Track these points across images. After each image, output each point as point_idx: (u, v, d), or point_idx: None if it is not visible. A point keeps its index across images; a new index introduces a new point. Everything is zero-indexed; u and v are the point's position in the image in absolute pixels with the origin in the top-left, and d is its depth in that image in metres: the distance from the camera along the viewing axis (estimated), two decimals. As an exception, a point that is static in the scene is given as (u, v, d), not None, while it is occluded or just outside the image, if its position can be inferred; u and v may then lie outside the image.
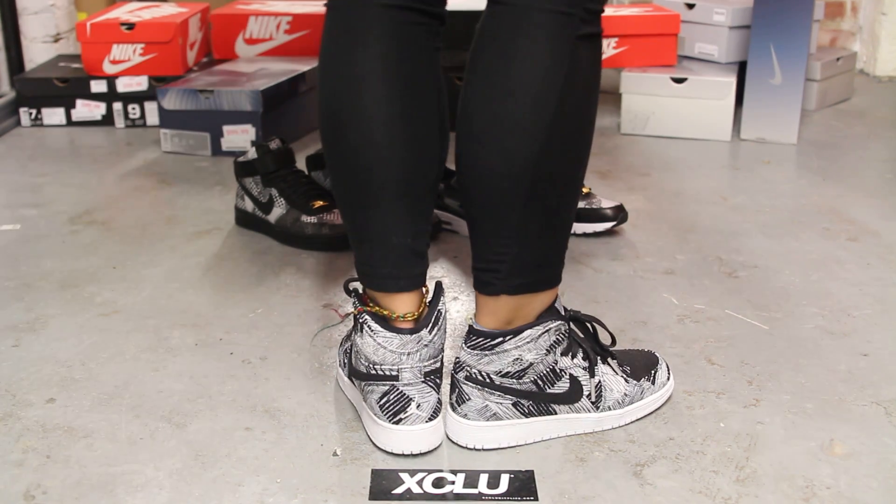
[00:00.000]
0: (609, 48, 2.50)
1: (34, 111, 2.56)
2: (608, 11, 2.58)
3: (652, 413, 1.22)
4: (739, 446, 1.16)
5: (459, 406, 1.15)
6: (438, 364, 1.15)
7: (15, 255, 1.73)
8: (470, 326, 1.14)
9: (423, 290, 1.17)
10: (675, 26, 2.49)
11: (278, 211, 1.78)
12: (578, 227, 1.80)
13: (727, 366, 1.34)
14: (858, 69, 3.20)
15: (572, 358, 1.16)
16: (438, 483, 1.09)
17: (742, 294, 1.57)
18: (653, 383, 1.22)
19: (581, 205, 1.80)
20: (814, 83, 2.67)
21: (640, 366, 1.23)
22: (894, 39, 3.13)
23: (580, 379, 1.16)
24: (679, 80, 2.42)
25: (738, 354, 1.37)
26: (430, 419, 1.13)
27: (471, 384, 1.14)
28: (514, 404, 1.14)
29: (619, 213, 1.80)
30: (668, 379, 1.25)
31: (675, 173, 2.19)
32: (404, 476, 1.10)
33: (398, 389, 1.12)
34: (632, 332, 1.44)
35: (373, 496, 1.07)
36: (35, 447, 1.16)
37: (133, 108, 2.56)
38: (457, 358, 1.16)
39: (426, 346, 1.12)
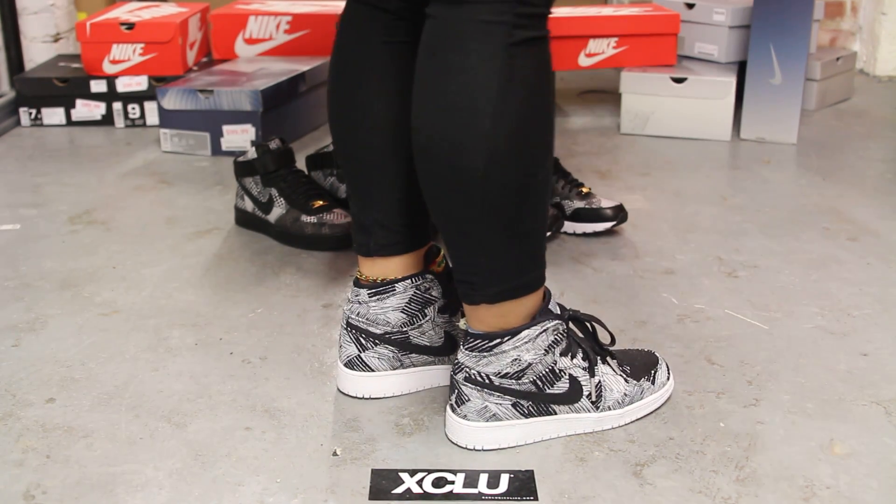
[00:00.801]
0: (609, 48, 2.50)
1: (34, 111, 2.56)
2: (608, 11, 2.57)
3: (652, 413, 1.22)
4: (739, 446, 1.16)
5: (459, 407, 1.15)
6: (377, 330, 1.24)
7: (15, 255, 1.73)
8: (465, 330, 1.15)
9: (409, 264, 1.24)
10: (675, 26, 2.49)
11: (278, 211, 1.78)
12: (578, 227, 1.81)
13: (727, 366, 1.34)
14: (858, 69, 3.20)
15: (572, 358, 1.16)
16: (438, 483, 1.09)
17: (742, 294, 1.57)
18: (653, 383, 1.22)
19: (581, 205, 1.80)
20: (814, 83, 2.67)
21: (640, 365, 1.23)
22: (894, 39, 3.13)
23: (580, 379, 1.16)
24: (679, 80, 2.42)
25: (738, 354, 1.37)
26: (346, 366, 1.26)
27: (470, 385, 1.14)
28: (514, 405, 1.14)
29: (619, 213, 1.80)
30: (668, 379, 1.25)
31: (675, 173, 2.19)
32: (404, 476, 1.10)
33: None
34: (632, 332, 1.44)
35: (373, 496, 1.07)
36: (35, 447, 1.16)
37: (133, 108, 2.56)
38: (456, 360, 1.16)
39: (360, 303, 1.23)
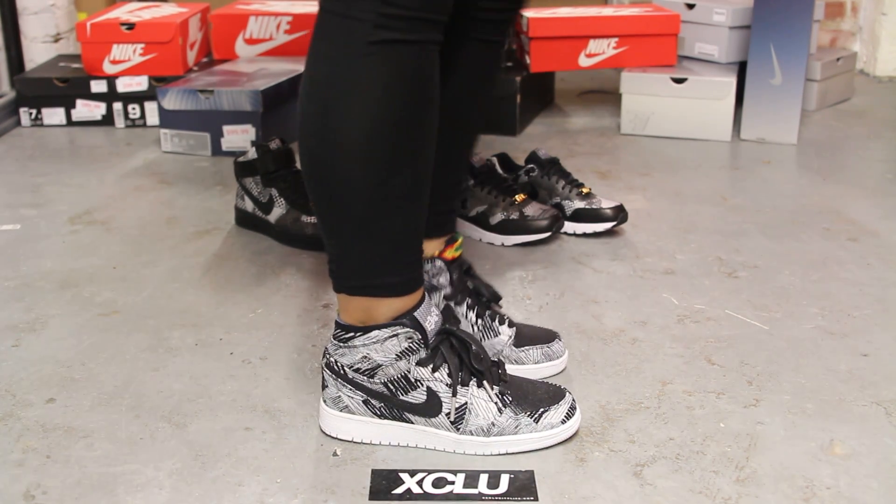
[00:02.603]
0: (609, 48, 2.50)
1: (34, 111, 2.56)
2: (608, 12, 2.57)
3: (532, 451, 1.15)
4: (739, 446, 1.16)
5: (322, 391, 1.18)
6: None
7: (15, 255, 1.73)
8: (336, 318, 1.16)
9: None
10: (675, 26, 2.49)
11: (278, 211, 1.78)
12: (579, 228, 1.81)
13: (727, 366, 1.34)
14: (858, 69, 3.20)
15: (433, 371, 1.13)
16: (438, 483, 1.09)
17: (742, 294, 1.57)
18: (535, 422, 1.14)
19: (581, 205, 1.80)
20: (814, 83, 2.67)
21: (531, 400, 1.16)
22: (894, 39, 3.13)
23: (440, 395, 1.13)
24: (679, 81, 2.42)
25: (738, 354, 1.37)
26: None
27: (328, 372, 1.16)
28: (365, 402, 1.15)
29: (619, 213, 1.80)
30: (564, 423, 1.15)
31: (675, 173, 2.19)
32: (404, 476, 1.10)
33: None
34: (632, 331, 1.44)
35: (373, 496, 1.07)
36: (35, 447, 1.16)
37: (133, 108, 2.56)
38: (326, 346, 1.19)
39: None
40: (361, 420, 1.16)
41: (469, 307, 1.30)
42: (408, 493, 1.07)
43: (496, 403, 1.14)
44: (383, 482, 1.09)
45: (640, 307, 1.52)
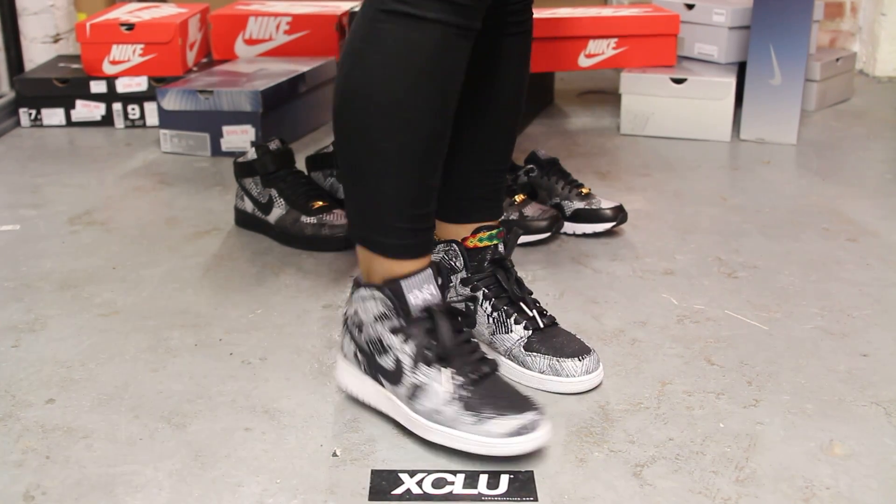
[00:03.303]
0: (609, 49, 2.50)
1: (34, 111, 2.56)
2: (608, 12, 2.57)
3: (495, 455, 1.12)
4: (739, 447, 1.16)
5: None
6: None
7: (15, 255, 1.73)
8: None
9: (443, 232, 1.39)
10: (674, 27, 2.49)
11: (278, 211, 1.78)
12: (578, 228, 1.81)
13: (727, 366, 1.34)
14: (858, 69, 3.20)
15: (404, 342, 1.16)
16: (438, 483, 1.09)
17: (742, 294, 1.57)
18: (476, 424, 1.11)
19: (581, 205, 1.80)
20: (813, 83, 2.67)
21: (486, 402, 1.12)
22: (894, 40, 3.13)
23: (404, 367, 1.16)
24: (679, 81, 2.42)
25: (737, 354, 1.37)
26: None
27: (344, 324, 1.25)
28: (355, 353, 1.22)
29: (619, 214, 1.80)
30: (513, 438, 1.10)
31: (674, 173, 2.19)
32: (404, 476, 1.10)
33: None
34: (632, 332, 1.44)
35: (372, 496, 1.07)
36: (35, 447, 1.16)
37: (133, 109, 2.56)
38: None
39: None
40: (352, 373, 1.22)
41: (486, 297, 1.33)
42: (407, 494, 1.08)
43: (450, 393, 1.13)
44: (383, 482, 1.09)
45: (640, 307, 1.52)
